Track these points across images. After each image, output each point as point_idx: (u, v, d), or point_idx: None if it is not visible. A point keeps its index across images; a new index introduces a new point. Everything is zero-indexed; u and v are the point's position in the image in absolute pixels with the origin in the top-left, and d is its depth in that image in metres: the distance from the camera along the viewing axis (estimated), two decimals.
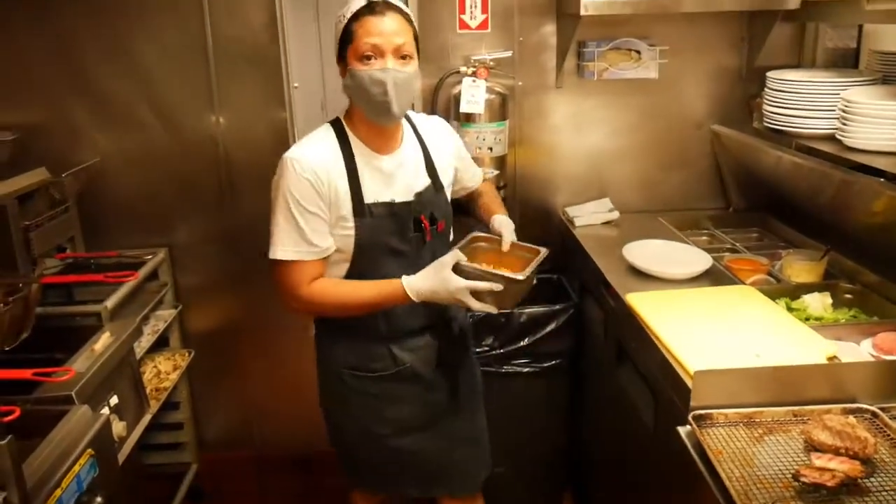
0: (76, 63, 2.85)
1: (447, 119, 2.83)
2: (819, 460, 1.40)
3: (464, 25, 2.88)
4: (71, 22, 2.81)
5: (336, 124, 1.95)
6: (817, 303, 2.16)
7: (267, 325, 3.19)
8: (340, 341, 2.06)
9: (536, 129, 3.03)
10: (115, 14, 2.81)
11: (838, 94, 2.34)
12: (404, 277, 1.87)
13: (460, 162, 2.22)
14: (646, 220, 2.91)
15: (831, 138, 2.38)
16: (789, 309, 2.14)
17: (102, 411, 2.02)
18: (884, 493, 1.35)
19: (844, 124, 2.27)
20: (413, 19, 1.89)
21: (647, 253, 2.47)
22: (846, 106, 2.26)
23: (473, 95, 2.73)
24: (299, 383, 3.23)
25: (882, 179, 2.09)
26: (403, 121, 2.04)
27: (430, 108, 2.92)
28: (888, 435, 1.52)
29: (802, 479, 1.34)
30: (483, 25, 2.88)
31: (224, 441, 3.37)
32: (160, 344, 3.05)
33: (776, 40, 2.93)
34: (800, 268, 2.36)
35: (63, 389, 1.90)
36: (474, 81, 2.75)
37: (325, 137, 1.93)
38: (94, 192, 2.94)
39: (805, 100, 2.47)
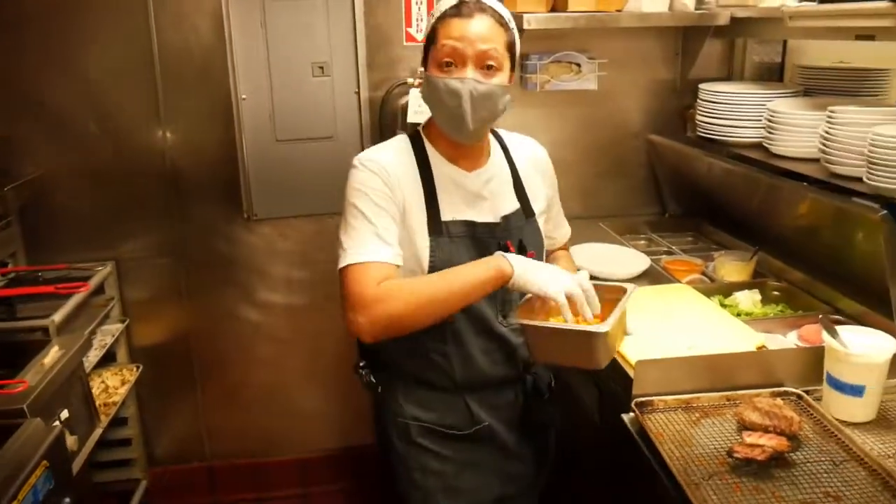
0: (19, 75, 2.83)
1: (394, 131, 2.93)
2: (750, 438, 1.51)
3: (410, 38, 2.96)
4: (15, 34, 2.79)
5: (414, 136, 1.76)
6: (747, 299, 2.28)
7: (215, 336, 3.21)
8: (407, 387, 1.82)
9: None
10: (60, 26, 2.80)
11: (764, 104, 2.48)
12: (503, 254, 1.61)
13: (552, 204, 1.95)
14: (587, 226, 3.02)
15: (759, 146, 2.53)
16: (722, 305, 2.26)
17: (54, 425, 2.02)
18: (807, 465, 1.47)
19: (770, 133, 2.42)
20: (511, 23, 1.68)
21: (589, 255, 2.57)
22: (771, 116, 2.41)
23: (420, 106, 2.80)
24: (249, 394, 3.28)
25: (805, 184, 2.23)
26: (491, 137, 1.85)
27: (378, 118, 2.97)
28: (812, 414, 1.65)
29: (735, 454, 1.45)
30: None
31: (174, 454, 3.35)
32: (107, 359, 3.02)
33: (708, 55, 3.11)
34: (731, 268, 2.49)
35: (14, 403, 1.89)
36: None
37: (398, 146, 1.74)
38: (37, 206, 2.91)
39: (734, 110, 2.61)
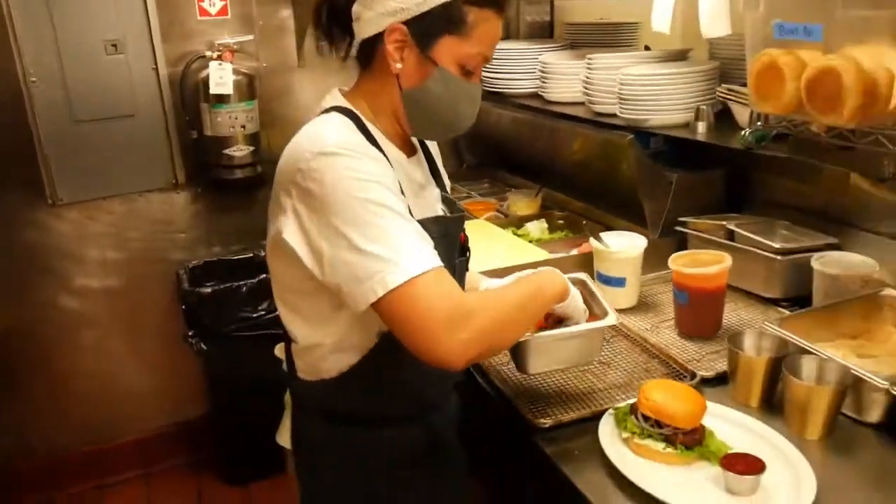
0: None
1: (197, 104, 2.99)
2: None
3: (204, 12, 3.02)
4: None
5: (349, 115, 1.32)
6: (536, 228, 2.62)
7: (34, 329, 3.12)
8: (368, 428, 1.43)
9: (284, 107, 3.25)
10: None
11: (537, 58, 2.81)
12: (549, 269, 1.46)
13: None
14: None
15: (536, 95, 2.86)
16: (516, 235, 2.57)
17: None
18: None
19: (543, 83, 2.75)
20: None
21: None
22: (543, 67, 2.74)
23: (221, 77, 2.90)
24: (78, 384, 3.24)
25: (574, 123, 2.57)
26: None
27: (180, 93, 3.02)
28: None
29: None
30: (223, 12, 3.04)
31: (4, 454, 3.23)
32: None
33: None
34: (521, 204, 2.82)
35: None
36: (220, 65, 2.91)
37: (349, 126, 1.29)
38: None
39: (513, 65, 2.92)
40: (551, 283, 1.40)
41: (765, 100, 1.44)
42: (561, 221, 2.72)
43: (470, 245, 1.57)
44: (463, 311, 1.17)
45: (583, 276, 1.65)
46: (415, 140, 1.49)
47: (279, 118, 3.24)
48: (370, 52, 1.34)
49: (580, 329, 1.49)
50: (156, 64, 2.98)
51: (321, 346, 1.36)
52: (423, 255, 1.18)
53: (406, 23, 1.27)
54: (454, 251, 1.46)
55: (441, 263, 1.20)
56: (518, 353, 1.48)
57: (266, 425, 2.13)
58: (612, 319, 1.49)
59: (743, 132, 1.71)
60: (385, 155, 1.29)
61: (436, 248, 1.26)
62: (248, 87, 3.01)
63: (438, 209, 1.47)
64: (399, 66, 1.30)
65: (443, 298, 1.17)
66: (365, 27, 1.31)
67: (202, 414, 3.46)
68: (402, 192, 1.29)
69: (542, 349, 1.47)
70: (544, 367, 1.52)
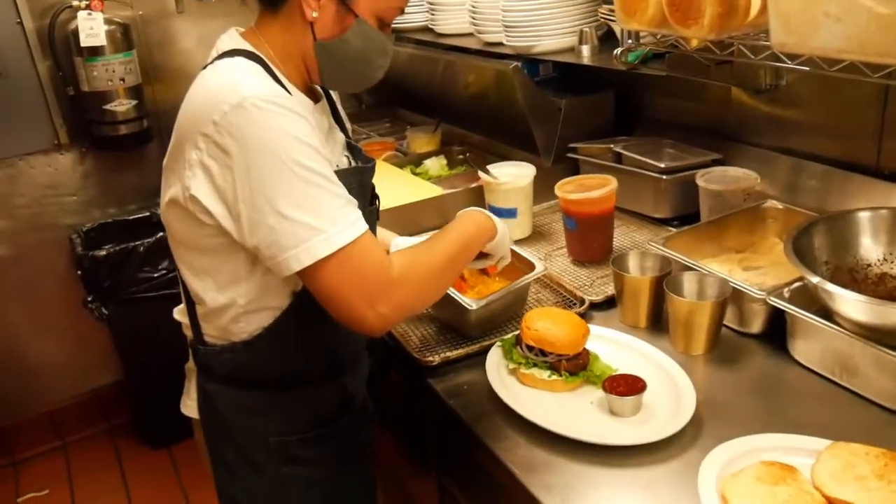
0: None
1: (70, 58, 2.82)
2: None
3: None
4: None
5: (256, 61, 1.21)
6: (435, 165, 2.57)
7: None
8: (268, 396, 1.35)
9: (167, 57, 3.10)
10: None
11: None
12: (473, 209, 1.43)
13: None
14: None
15: (426, 29, 2.78)
16: (414, 173, 2.53)
17: None
18: None
19: (433, 15, 2.67)
20: None
21: None
22: None
23: (92, 28, 2.73)
24: None
25: (466, 55, 2.51)
26: None
27: (49, 47, 2.84)
28: None
29: None
30: None
31: None
32: None
33: None
34: (420, 141, 2.77)
35: None
36: (90, 14, 2.74)
37: (256, 68, 1.20)
38: None
39: None
40: (480, 229, 1.38)
41: (630, 16, 1.41)
42: (460, 156, 2.68)
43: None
44: (388, 284, 1.16)
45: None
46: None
47: (162, 69, 3.09)
48: None
49: (515, 287, 1.53)
50: (19, 17, 2.79)
51: (232, 307, 1.27)
52: (350, 223, 1.14)
53: None
54: (365, 201, 1.39)
55: (367, 227, 1.16)
56: (460, 323, 1.53)
57: (181, 385, 2.07)
58: (540, 268, 1.57)
59: (616, 51, 1.68)
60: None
61: (352, 196, 1.23)
62: (124, 38, 2.85)
63: (343, 157, 1.40)
64: (315, 14, 1.22)
65: (368, 270, 1.14)
66: None
67: (116, 379, 3.39)
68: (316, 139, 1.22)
69: (484, 313, 1.51)
70: (485, 328, 1.55)
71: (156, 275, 2.94)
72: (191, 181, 1.15)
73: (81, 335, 3.26)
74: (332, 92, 1.49)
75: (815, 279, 1.24)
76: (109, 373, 3.36)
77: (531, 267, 1.59)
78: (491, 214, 1.43)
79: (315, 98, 1.34)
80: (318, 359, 1.38)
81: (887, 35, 1.02)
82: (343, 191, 1.16)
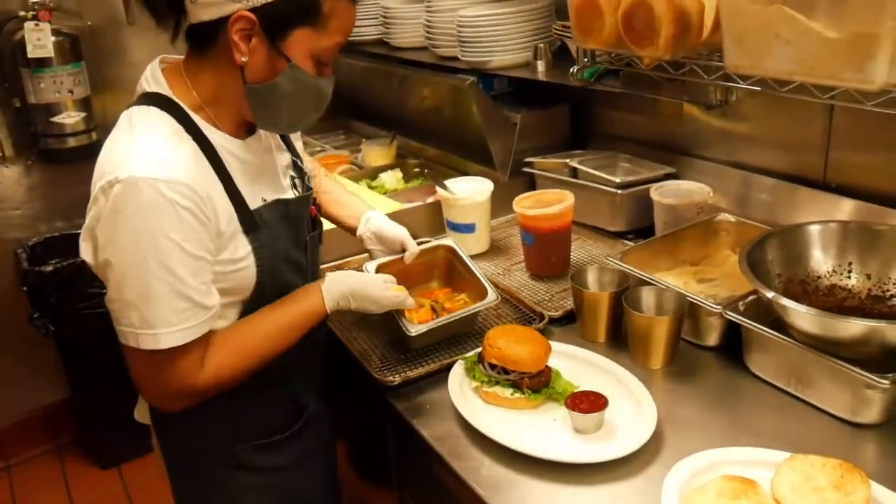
0: None
1: (15, 69, 2.75)
2: None
3: None
4: None
5: (165, 103, 1.21)
6: (391, 178, 2.57)
7: None
8: (212, 402, 1.31)
9: (117, 68, 3.04)
10: None
11: (379, 2, 2.72)
12: (319, 283, 1.38)
13: None
14: None
15: (380, 42, 2.77)
16: (370, 188, 2.52)
17: None
18: None
19: (387, 28, 2.67)
20: None
21: None
22: (385, 12, 2.65)
23: (39, 39, 2.66)
24: None
25: (420, 69, 2.52)
26: None
27: None
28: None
29: None
30: None
31: None
32: None
33: None
34: (375, 154, 2.76)
35: None
36: (37, 25, 2.67)
37: (167, 129, 1.19)
38: None
39: (357, 11, 2.81)
40: (309, 315, 1.35)
41: (586, 35, 1.43)
42: (416, 170, 2.69)
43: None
44: (192, 389, 1.23)
45: (449, 241, 1.68)
46: None
47: (112, 80, 3.03)
48: (207, 36, 1.19)
49: (457, 316, 1.53)
50: None
51: None
52: (183, 328, 1.17)
53: (254, 10, 1.13)
54: (302, 229, 1.40)
55: (200, 335, 1.19)
56: (405, 344, 1.55)
57: (131, 403, 2.03)
58: (492, 297, 1.55)
59: (571, 69, 1.70)
60: (214, 151, 1.21)
61: (276, 232, 1.29)
62: (73, 49, 2.79)
63: (284, 184, 1.39)
64: (245, 59, 1.17)
65: (179, 374, 1.20)
66: (202, 10, 1.16)
67: (63, 397, 3.29)
68: (237, 188, 1.23)
69: (425, 338, 1.52)
70: (430, 351, 1.56)
71: (104, 291, 2.86)
72: (81, 240, 1.18)
73: (27, 352, 3.16)
74: None
75: (769, 294, 1.27)
76: (57, 390, 3.26)
77: (484, 293, 1.56)
78: (328, 289, 1.36)
79: (248, 131, 1.31)
80: (267, 368, 1.34)
81: (836, 58, 1.05)
82: (197, 292, 1.17)
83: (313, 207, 1.46)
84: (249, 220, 1.25)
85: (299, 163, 1.46)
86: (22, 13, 2.72)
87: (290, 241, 1.35)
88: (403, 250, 1.62)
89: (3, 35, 2.76)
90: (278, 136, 1.42)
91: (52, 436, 3.33)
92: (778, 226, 1.69)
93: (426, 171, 2.12)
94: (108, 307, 1.18)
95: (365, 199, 1.75)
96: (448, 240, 1.72)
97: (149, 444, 1.44)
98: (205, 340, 1.22)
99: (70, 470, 3.22)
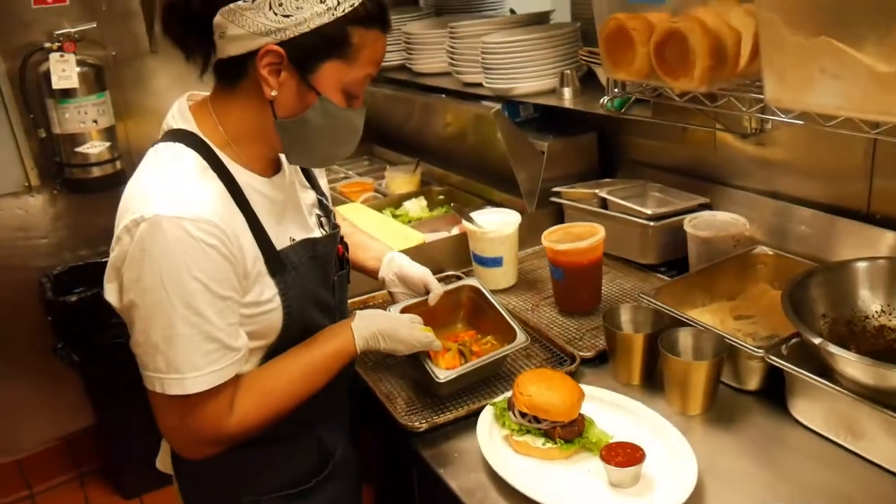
0: None
1: (41, 100, 2.75)
2: None
3: (39, 1, 2.75)
4: None
5: (192, 140, 1.19)
6: (415, 206, 2.52)
7: None
8: (239, 450, 1.26)
9: (141, 96, 3.03)
10: None
11: (401, 28, 2.69)
12: (349, 321, 1.35)
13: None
14: None
15: (403, 67, 2.74)
16: (394, 216, 2.47)
17: None
18: None
19: (410, 54, 2.63)
20: None
21: None
22: (408, 38, 2.62)
23: (64, 70, 2.66)
24: None
25: (443, 96, 2.48)
26: None
27: (21, 90, 2.76)
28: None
29: None
30: None
31: None
32: None
33: None
34: (400, 181, 2.72)
35: None
36: (62, 56, 2.68)
37: (195, 167, 1.16)
38: None
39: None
40: (339, 355, 1.32)
41: (617, 66, 1.38)
42: (441, 196, 2.64)
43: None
44: (219, 434, 1.19)
45: (473, 281, 1.64)
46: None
47: (136, 108, 3.03)
48: (236, 71, 1.17)
49: (487, 360, 1.46)
50: None
51: None
52: (210, 372, 1.13)
53: (282, 44, 1.12)
54: (330, 268, 1.37)
55: (227, 378, 1.16)
56: (430, 389, 1.48)
57: (154, 432, 2.00)
58: (521, 339, 1.49)
59: (602, 100, 1.65)
60: (239, 190, 1.18)
61: (304, 273, 1.26)
62: (97, 79, 2.79)
63: (311, 222, 1.36)
64: (274, 93, 1.15)
65: (206, 421, 1.17)
66: (230, 44, 1.14)
67: (87, 426, 3.27)
68: (263, 228, 1.20)
69: (454, 384, 1.45)
70: (458, 396, 1.49)
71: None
72: (106, 281, 1.15)
73: (53, 380, 3.14)
74: None
75: (816, 340, 1.19)
76: (81, 418, 3.24)
77: (512, 334, 1.51)
78: (359, 327, 1.33)
79: (274, 169, 1.29)
80: (292, 414, 1.30)
81: (889, 93, 0.99)
82: (225, 333, 1.14)
83: (340, 246, 1.42)
84: (276, 261, 1.22)
85: (325, 201, 1.43)
86: (47, 44, 2.73)
87: (317, 281, 1.32)
88: (427, 291, 1.56)
89: (28, 66, 2.75)
90: (302, 175, 1.40)
91: (76, 465, 3.31)
92: (819, 260, 1.62)
93: (452, 203, 2.07)
94: (134, 352, 1.15)
95: (391, 231, 1.71)
96: (472, 280, 1.66)
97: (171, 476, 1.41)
98: (233, 384, 1.19)
99: (93, 499, 3.20)
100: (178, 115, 1.22)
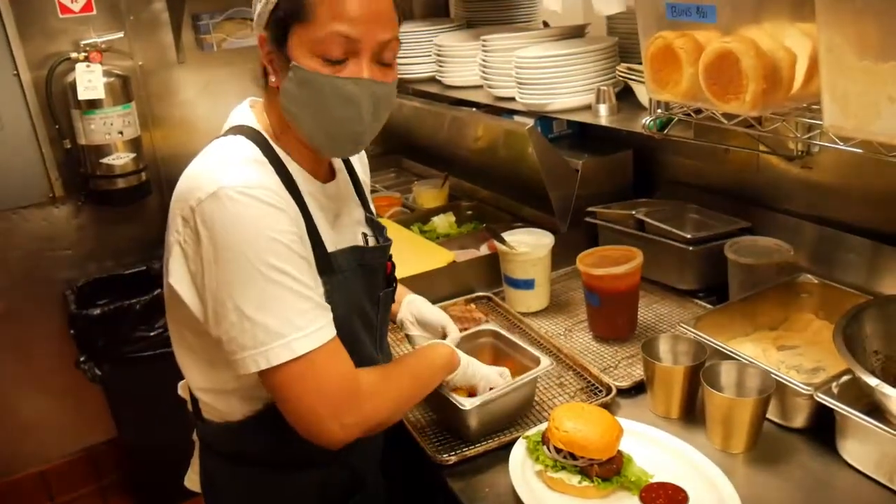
0: None
1: (67, 112, 2.74)
2: None
3: (66, 10, 2.74)
4: None
5: (255, 137, 1.17)
6: (443, 222, 2.47)
7: None
8: (284, 472, 1.27)
9: (167, 107, 3.00)
10: None
11: (433, 40, 2.64)
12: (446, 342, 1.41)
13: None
14: None
15: (433, 80, 2.69)
16: (421, 232, 2.42)
17: None
18: None
19: (440, 66, 2.59)
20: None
21: None
22: (439, 50, 2.57)
23: (90, 81, 2.64)
24: None
25: (474, 109, 2.43)
26: None
27: (47, 100, 2.75)
28: (499, 311, 1.88)
29: None
30: (87, 8, 2.77)
31: None
32: None
33: None
34: (427, 195, 2.67)
35: None
36: (88, 66, 2.65)
37: (252, 155, 1.14)
38: None
39: (408, 48, 2.75)
40: (446, 362, 1.34)
41: (662, 87, 1.32)
42: (470, 212, 2.59)
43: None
44: (356, 395, 1.12)
45: (491, 326, 1.60)
46: (336, 160, 1.33)
47: (163, 119, 3.00)
48: (263, 70, 1.20)
49: (514, 385, 1.40)
50: (16, 69, 2.70)
51: (219, 391, 1.23)
52: (315, 329, 1.09)
53: (266, 28, 1.13)
54: (377, 282, 1.33)
55: (334, 334, 1.11)
56: (458, 424, 1.40)
57: (176, 446, 1.96)
58: (545, 364, 1.43)
59: (644, 120, 1.59)
60: (295, 185, 1.16)
61: (351, 280, 1.22)
62: (123, 90, 2.76)
63: (359, 235, 1.32)
64: (274, 79, 1.16)
65: (332, 380, 1.10)
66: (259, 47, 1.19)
67: (109, 438, 3.25)
68: (315, 226, 1.18)
69: (482, 414, 1.38)
70: (487, 431, 1.41)
71: (152, 333, 2.81)
72: (169, 264, 1.12)
73: (76, 392, 3.11)
74: (358, 164, 1.42)
75: (874, 381, 1.13)
76: (102, 431, 3.22)
77: (536, 362, 1.45)
78: (456, 350, 1.38)
79: (327, 175, 1.27)
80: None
81: None
82: (315, 293, 1.11)
83: (389, 263, 1.38)
84: (326, 260, 1.19)
85: (374, 218, 1.40)
86: (73, 55, 2.71)
87: (363, 291, 1.28)
88: (444, 335, 1.50)
89: (54, 77, 2.74)
90: (354, 192, 1.36)
91: (97, 476, 3.29)
92: (866, 290, 1.55)
93: (484, 224, 2.01)
94: (222, 340, 1.08)
95: (420, 250, 1.65)
96: (490, 324, 1.63)
97: None
98: (346, 354, 1.14)
99: None
100: (238, 112, 1.23)
